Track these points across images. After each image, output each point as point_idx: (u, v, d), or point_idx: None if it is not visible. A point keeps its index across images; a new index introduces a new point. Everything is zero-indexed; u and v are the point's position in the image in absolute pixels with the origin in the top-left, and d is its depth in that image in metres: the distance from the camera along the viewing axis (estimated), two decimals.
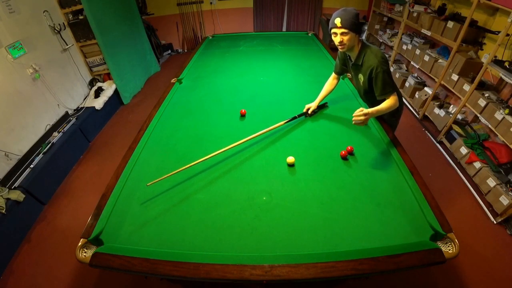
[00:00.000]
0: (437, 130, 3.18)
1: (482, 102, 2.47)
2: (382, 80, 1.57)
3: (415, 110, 3.61)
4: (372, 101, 1.80)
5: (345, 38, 1.53)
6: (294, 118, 1.91)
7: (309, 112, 1.96)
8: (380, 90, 1.61)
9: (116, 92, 3.88)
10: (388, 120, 1.87)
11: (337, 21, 1.50)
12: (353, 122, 1.51)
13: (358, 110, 1.49)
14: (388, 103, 1.61)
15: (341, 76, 2.47)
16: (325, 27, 5.31)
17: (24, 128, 2.63)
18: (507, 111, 2.24)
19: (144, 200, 1.38)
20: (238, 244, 1.16)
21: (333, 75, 2.01)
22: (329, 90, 2.02)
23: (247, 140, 1.70)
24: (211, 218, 1.27)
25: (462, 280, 1.85)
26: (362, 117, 1.48)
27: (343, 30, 1.51)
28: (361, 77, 1.73)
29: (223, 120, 1.99)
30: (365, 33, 5.04)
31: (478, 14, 2.80)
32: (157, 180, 1.43)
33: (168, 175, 1.46)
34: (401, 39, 3.96)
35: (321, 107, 2.06)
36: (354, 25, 1.50)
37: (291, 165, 1.53)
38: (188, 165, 1.51)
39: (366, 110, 1.49)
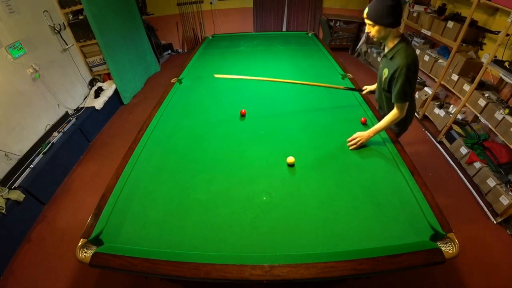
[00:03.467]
0: (437, 130, 3.18)
1: (482, 102, 2.47)
2: (401, 85, 1.49)
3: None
4: (384, 101, 1.78)
5: (372, 30, 1.48)
6: (351, 89, 2.15)
7: (363, 93, 2.09)
8: (395, 95, 1.54)
9: (116, 92, 3.88)
10: (393, 129, 1.84)
11: (365, 11, 1.45)
12: (351, 148, 1.63)
13: (355, 136, 1.63)
14: (389, 116, 1.61)
15: (342, 76, 2.47)
16: (325, 27, 5.32)
17: (24, 128, 2.63)
18: (507, 111, 2.24)
19: (144, 200, 1.38)
20: (238, 244, 1.16)
21: None
22: None
23: (285, 82, 2.10)
24: (211, 218, 1.27)
25: (462, 280, 1.85)
26: (356, 139, 1.62)
27: (368, 21, 1.46)
28: (385, 72, 1.62)
29: (223, 120, 1.99)
30: (365, 33, 5.02)
31: (478, 14, 2.80)
32: (225, 76, 1.96)
33: (234, 76, 1.99)
34: None
35: (357, 90, 2.16)
36: (381, 18, 1.41)
37: (291, 165, 1.53)
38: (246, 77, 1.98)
39: (360, 134, 1.62)
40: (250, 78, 2.15)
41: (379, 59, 4.56)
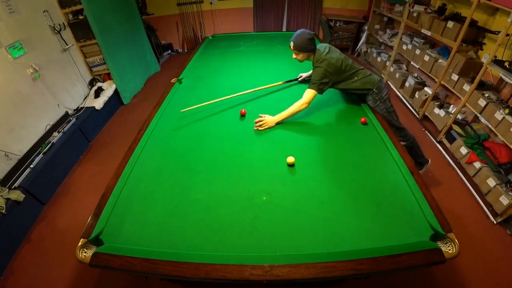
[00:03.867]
0: (437, 130, 3.18)
1: (482, 102, 2.47)
2: (313, 75, 1.90)
3: (415, 110, 3.61)
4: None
5: (297, 56, 1.93)
6: (290, 81, 2.46)
7: (299, 80, 2.46)
8: (310, 81, 1.90)
9: (116, 92, 3.87)
10: (365, 99, 2.07)
11: (291, 44, 1.89)
12: (259, 129, 1.85)
13: (262, 118, 1.87)
14: (295, 104, 1.87)
15: None
16: (325, 27, 5.32)
17: (24, 128, 2.63)
18: (507, 111, 2.24)
19: (144, 200, 1.38)
20: (238, 244, 1.16)
21: None
22: None
23: (248, 92, 2.22)
24: (211, 218, 1.27)
25: (462, 280, 1.85)
26: (261, 122, 1.84)
27: (295, 51, 1.90)
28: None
29: (223, 120, 1.99)
30: (365, 33, 5.04)
31: (478, 14, 2.79)
32: (191, 108, 1.98)
33: (200, 104, 2.01)
34: (401, 39, 3.96)
35: (294, 80, 2.47)
36: (303, 48, 1.86)
37: (291, 165, 1.53)
38: (220, 99, 2.08)
39: (268, 119, 1.86)
40: (216, 100, 2.11)
41: (379, 59, 4.57)
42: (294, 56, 1.95)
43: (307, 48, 1.87)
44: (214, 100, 2.10)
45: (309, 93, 1.86)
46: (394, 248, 1.08)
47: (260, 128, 1.85)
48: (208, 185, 1.45)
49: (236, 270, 1.03)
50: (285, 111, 1.88)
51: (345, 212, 1.28)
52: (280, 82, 2.42)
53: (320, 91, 1.88)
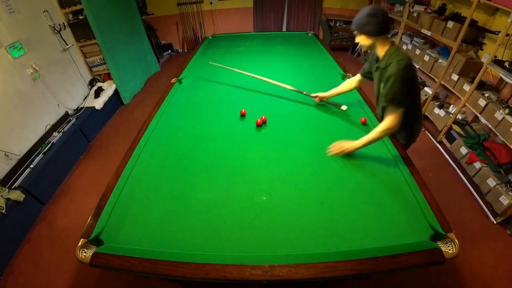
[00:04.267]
0: (437, 130, 3.18)
1: (482, 102, 2.47)
2: (392, 86, 1.40)
3: None
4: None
5: (358, 38, 1.50)
6: (301, 92, 2.13)
7: (316, 100, 2.07)
8: (385, 97, 1.43)
9: (116, 92, 3.88)
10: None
11: (352, 23, 1.49)
12: (332, 151, 1.56)
13: (337, 143, 1.55)
14: (380, 127, 1.49)
15: (342, 76, 2.47)
16: (325, 27, 5.32)
17: (24, 128, 2.63)
18: (507, 111, 2.24)
19: (144, 200, 1.38)
20: (238, 244, 1.16)
21: (357, 76, 1.88)
22: (344, 89, 1.96)
23: (265, 80, 2.25)
24: (211, 218, 1.27)
25: (462, 280, 1.85)
26: (337, 150, 1.54)
27: (354, 31, 1.50)
28: (382, 86, 1.52)
29: (223, 120, 1.99)
30: None
31: (478, 14, 2.80)
32: (219, 65, 2.31)
33: (227, 67, 2.34)
34: (401, 39, 3.96)
35: (337, 105, 2.02)
36: (362, 27, 1.43)
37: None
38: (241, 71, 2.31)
39: (346, 144, 1.52)
40: (242, 72, 2.36)
41: None
42: (356, 39, 1.53)
43: (365, 27, 1.41)
44: (237, 70, 2.42)
45: (391, 118, 1.45)
46: (394, 248, 1.08)
47: (333, 152, 1.55)
48: (208, 185, 1.45)
49: (236, 270, 1.03)
50: (370, 136, 1.52)
51: (345, 212, 1.28)
52: (292, 88, 2.15)
53: (404, 105, 1.42)
